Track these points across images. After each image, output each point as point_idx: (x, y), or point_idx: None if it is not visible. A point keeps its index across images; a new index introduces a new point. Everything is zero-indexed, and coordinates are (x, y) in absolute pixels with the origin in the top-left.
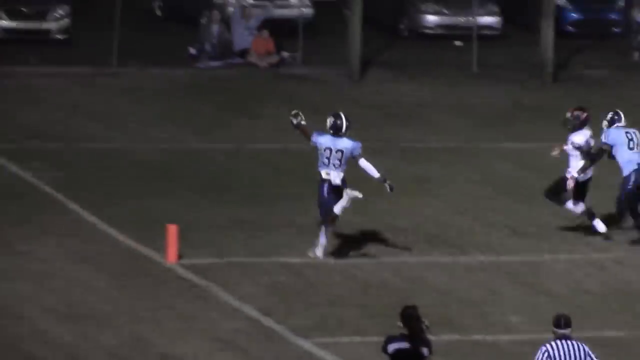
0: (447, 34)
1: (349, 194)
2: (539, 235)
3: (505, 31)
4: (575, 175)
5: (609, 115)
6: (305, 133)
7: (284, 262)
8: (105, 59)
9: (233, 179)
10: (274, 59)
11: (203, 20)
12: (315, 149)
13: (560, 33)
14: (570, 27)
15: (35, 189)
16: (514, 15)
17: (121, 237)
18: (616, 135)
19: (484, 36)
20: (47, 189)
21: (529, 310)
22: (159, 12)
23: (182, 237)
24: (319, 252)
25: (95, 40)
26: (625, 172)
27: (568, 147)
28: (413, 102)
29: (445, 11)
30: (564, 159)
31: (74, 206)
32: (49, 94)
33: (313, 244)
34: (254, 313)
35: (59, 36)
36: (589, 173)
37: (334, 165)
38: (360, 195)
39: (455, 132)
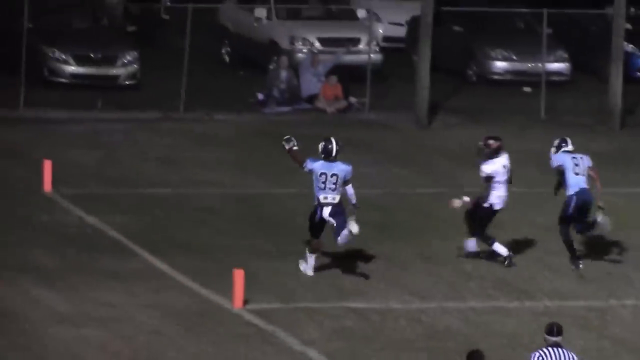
0: (515, 80)
1: (350, 227)
2: (605, 280)
3: (574, 77)
4: (494, 201)
5: (557, 142)
6: (296, 159)
7: (350, 306)
8: (173, 104)
9: (297, 224)
10: (342, 104)
11: (271, 66)
12: (308, 174)
13: (628, 79)
14: (639, 73)
15: (101, 233)
16: (583, 62)
17: (187, 282)
18: (563, 160)
19: (553, 82)
20: (113, 233)
21: (594, 356)
22: (226, 58)
23: (249, 281)
24: (309, 271)
25: (163, 85)
26: (568, 195)
27: (466, 200)
28: None
29: (514, 57)
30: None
31: (140, 251)
32: (116, 139)
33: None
34: (319, 358)
35: (126, 82)
36: (503, 204)
37: (330, 189)
38: (355, 231)
39: (521, 178)
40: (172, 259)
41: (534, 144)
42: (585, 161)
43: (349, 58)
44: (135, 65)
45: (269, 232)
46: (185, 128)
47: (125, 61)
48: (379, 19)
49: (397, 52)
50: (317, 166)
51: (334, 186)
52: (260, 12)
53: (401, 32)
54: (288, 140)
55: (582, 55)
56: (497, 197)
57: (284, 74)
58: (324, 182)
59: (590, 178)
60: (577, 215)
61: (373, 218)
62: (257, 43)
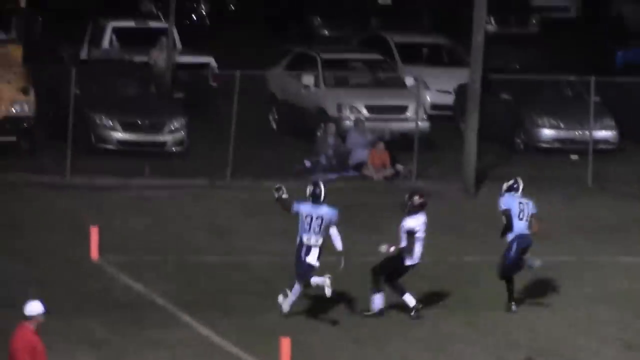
0: (563, 148)
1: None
2: None
3: (621, 145)
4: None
5: (510, 182)
6: (284, 205)
7: None
8: (220, 171)
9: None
10: (390, 172)
11: (319, 133)
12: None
13: None
14: None
15: (148, 301)
16: (630, 130)
17: (234, 350)
18: (510, 205)
19: (600, 150)
20: (159, 301)
21: None
22: (274, 125)
23: (295, 349)
24: (286, 306)
25: (210, 152)
26: (509, 240)
27: (392, 249)
28: None
29: (562, 125)
30: None
31: (186, 318)
32: (162, 206)
33: (283, 292)
34: None
35: (174, 148)
36: (418, 260)
37: (314, 231)
38: (328, 284)
39: (570, 246)
40: (218, 327)
41: (582, 212)
42: (529, 207)
43: (397, 125)
44: (182, 132)
45: (318, 299)
46: (232, 195)
47: (173, 128)
48: (426, 87)
49: (444, 120)
50: (304, 208)
51: (318, 228)
52: (308, 79)
53: (449, 99)
54: (278, 189)
55: (630, 123)
56: (415, 252)
57: (331, 141)
58: (309, 224)
59: (531, 223)
60: (518, 257)
61: (419, 286)
62: (304, 110)
